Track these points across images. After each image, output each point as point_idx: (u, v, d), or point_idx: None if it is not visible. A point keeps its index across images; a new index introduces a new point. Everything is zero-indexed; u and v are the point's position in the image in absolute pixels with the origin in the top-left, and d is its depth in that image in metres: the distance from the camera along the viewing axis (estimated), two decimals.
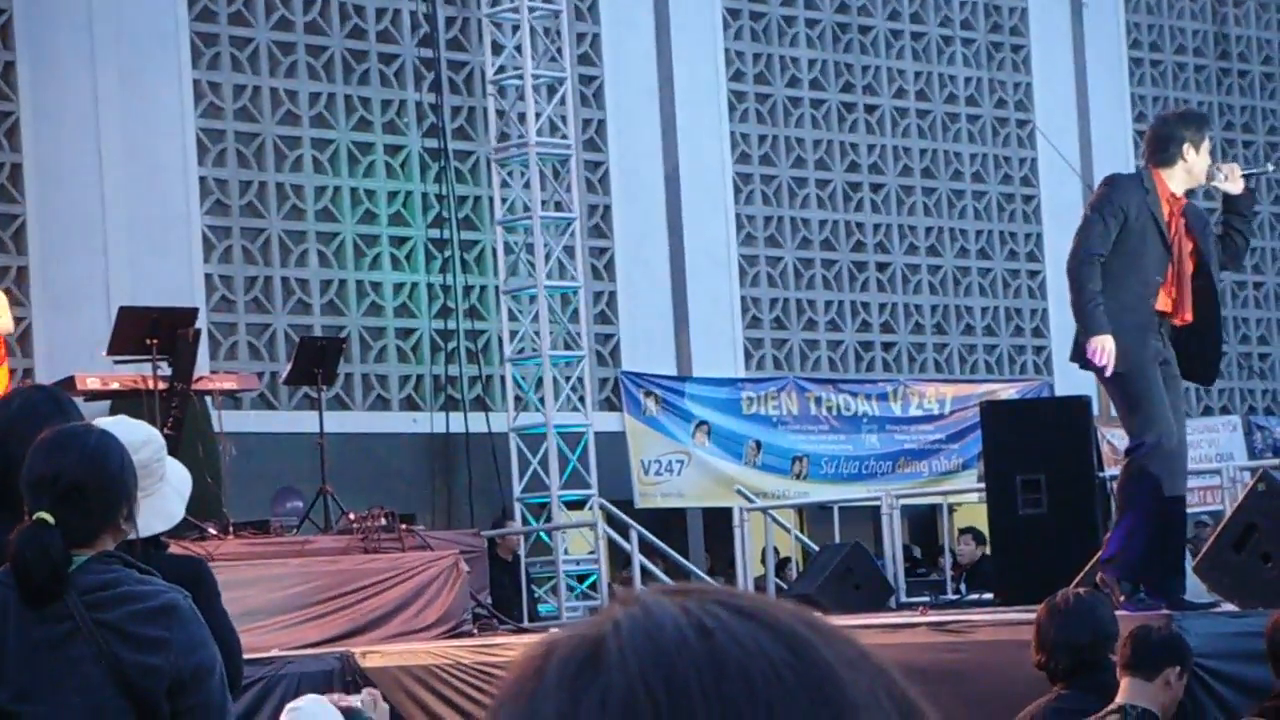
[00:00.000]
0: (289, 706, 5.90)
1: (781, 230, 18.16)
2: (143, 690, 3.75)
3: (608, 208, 17.13)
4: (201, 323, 12.59)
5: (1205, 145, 7.71)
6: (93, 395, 11.00)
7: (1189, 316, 7.63)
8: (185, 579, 4.10)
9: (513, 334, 15.01)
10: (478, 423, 15.71)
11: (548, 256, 14.88)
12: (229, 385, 12.71)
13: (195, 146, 15.00)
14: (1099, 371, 7.51)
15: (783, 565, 14.88)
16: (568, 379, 15.09)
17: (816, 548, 13.45)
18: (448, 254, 16.11)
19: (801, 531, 15.15)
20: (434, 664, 8.87)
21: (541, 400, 14.79)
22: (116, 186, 14.44)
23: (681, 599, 0.94)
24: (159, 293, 12.94)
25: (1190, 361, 7.70)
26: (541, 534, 14.30)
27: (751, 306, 17.89)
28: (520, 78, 14.98)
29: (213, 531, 10.75)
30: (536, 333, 14.82)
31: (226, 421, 12.18)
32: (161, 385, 10.86)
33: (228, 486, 11.86)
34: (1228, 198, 7.79)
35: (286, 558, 10.75)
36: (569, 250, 15.09)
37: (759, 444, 17.06)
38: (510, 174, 15.19)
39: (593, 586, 13.86)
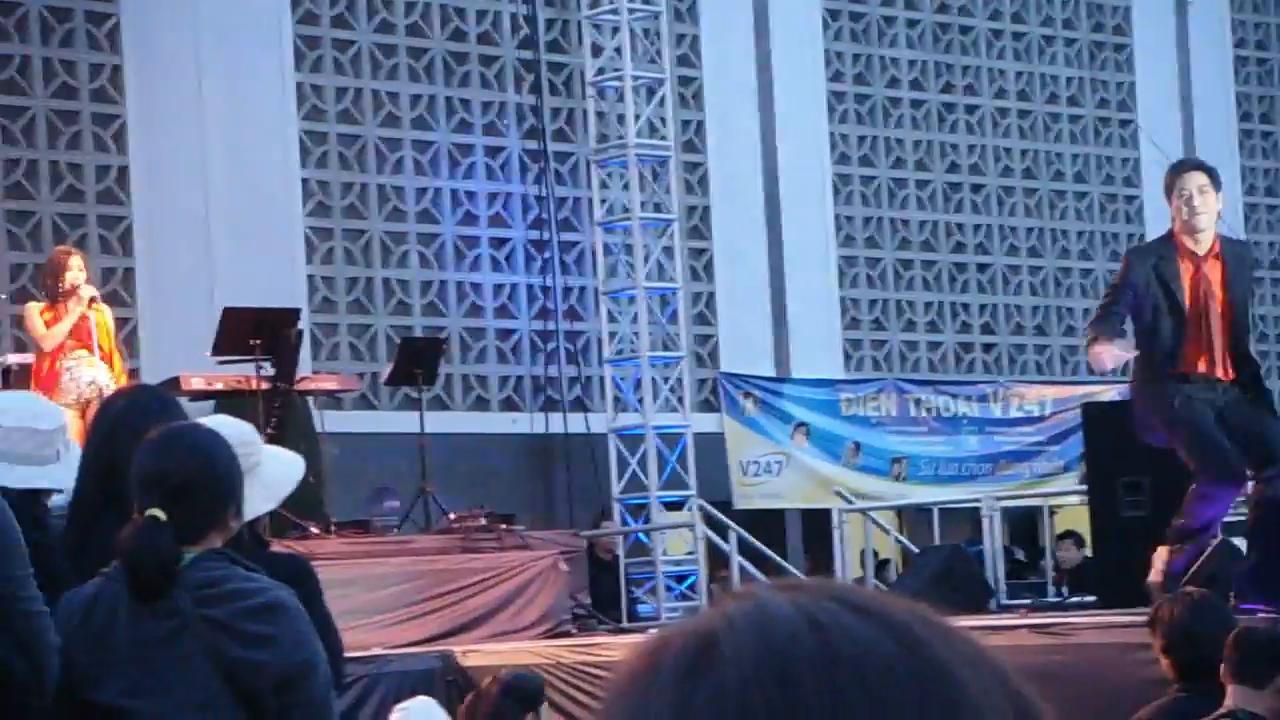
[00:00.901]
0: (399, 707, 5.96)
1: (881, 231, 18.08)
2: (249, 686, 3.79)
3: (707, 209, 17.12)
4: (303, 323, 12.69)
5: (1178, 193, 7.72)
6: (197, 395, 11.12)
7: (1231, 373, 7.67)
8: (289, 576, 4.14)
9: (612, 335, 15.03)
10: (577, 423, 15.74)
11: (647, 258, 14.89)
12: (331, 385, 12.81)
13: (298, 148, 15.12)
14: (1157, 439, 7.67)
15: (882, 567, 14.82)
16: (666, 380, 15.10)
17: (916, 550, 13.39)
18: (547, 255, 16.15)
19: (901, 533, 15.08)
20: (534, 663, 8.89)
21: (640, 401, 14.80)
22: (220, 188, 14.58)
23: (795, 594, 0.94)
24: (262, 293, 13.05)
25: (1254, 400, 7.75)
26: (640, 535, 14.31)
27: (850, 307, 17.82)
28: (620, 79, 15.00)
29: (315, 530, 10.83)
30: (635, 334, 14.84)
31: (328, 422, 12.28)
32: (264, 385, 10.95)
33: (329, 486, 11.95)
34: None
35: (387, 557, 10.81)
36: (668, 251, 15.09)
37: (858, 445, 17.00)
38: (609, 175, 15.21)
39: (691, 587, 13.85)
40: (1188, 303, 7.66)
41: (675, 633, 0.94)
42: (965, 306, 18.54)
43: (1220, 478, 7.68)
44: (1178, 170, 7.94)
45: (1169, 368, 7.66)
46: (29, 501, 4.17)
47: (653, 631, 0.98)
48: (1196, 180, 7.80)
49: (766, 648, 0.91)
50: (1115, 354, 7.61)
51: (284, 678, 3.80)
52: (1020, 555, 16.64)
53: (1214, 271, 7.72)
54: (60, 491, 4.83)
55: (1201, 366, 7.68)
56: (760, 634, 0.92)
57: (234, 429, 4.53)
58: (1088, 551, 12.82)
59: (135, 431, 4.03)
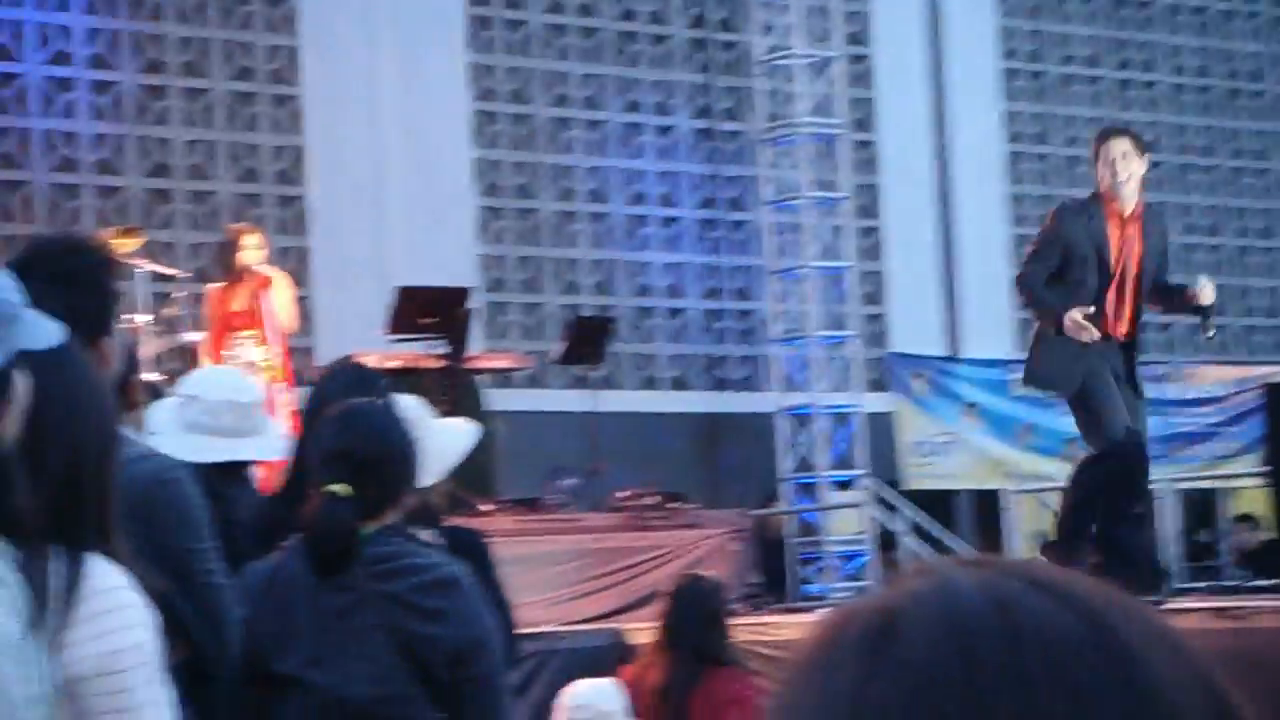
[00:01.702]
0: (569, 695, 5.99)
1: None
2: (424, 660, 3.83)
3: (877, 187, 17.01)
4: (475, 302, 12.80)
5: (1101, 158, 8.16)
6: None
7: (1125, 334, 8.17)
8: (465, 549, 4.18)
9: (781, 314, 14.99)
10: (746, 402, 15.73)
11: (816, 237, 14.82)
12: (502, 364, 12.92)
13: (469, 128, 15.25)
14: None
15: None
16: (835, 359, 15.03)
17: None
18: (716, 234, 16.15)
19: None
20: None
21: (809, 381, 14.75)
22: (394, 168, 14.74)
23: (979, 571, 0.93)
24: (434, 272, 13.19)
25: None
26: (809, 514, 14.27)
27: None
28: (790, 57, 14.93)
29: (486, 508, 10.93)
30: (804, 313, 14.78)
31: (498, 400, 12.37)
32: (437, 364, 11.06)
33: (500, 464, 12.04)
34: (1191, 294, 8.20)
35: (557, 535, 10.88)
36: (837, 230, 15.02)
37: (1030, 426, 16.80)
38: (779, 154, 15.16)
39: (860, 567, 13.79)
40: (1113, 262, 8.06)
41: (857, 609, 0.93)
42: None
43: (1095, 457, 8.28)
44: (1103, 137, 8.32)
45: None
46: (221, 477, 4.25)
47: (834, 608, 0.97)
48: (1120, 145, 8.20)
49: (950, 626, 0.90)
50: (1082, 324, 7.89)
51: (458, 652, 3.85)
52: (1203, 537, 16.37)
53: (1135, 233, 8.15)
54: (259, 463, 4.93)
55: (1110, 325, 8.08)
56: (943, 612, 0.91)
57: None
58: (1265, 534, 12.59)
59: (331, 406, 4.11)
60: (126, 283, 11.04)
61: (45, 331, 2.45)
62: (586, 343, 12.81)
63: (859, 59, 16.87)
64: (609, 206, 15.86)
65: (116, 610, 2.58)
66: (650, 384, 15.95)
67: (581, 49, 15.79)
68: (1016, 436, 16.71)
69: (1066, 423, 16.97)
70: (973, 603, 0.91)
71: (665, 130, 16.15)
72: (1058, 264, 8.12)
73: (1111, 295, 8.10)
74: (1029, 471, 15.93)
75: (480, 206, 15.29)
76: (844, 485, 14.54)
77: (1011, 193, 17.59)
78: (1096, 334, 7.93)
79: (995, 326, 17.19)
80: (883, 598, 0.93)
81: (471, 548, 4.41)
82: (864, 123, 16.92)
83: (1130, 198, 8.21)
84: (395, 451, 3.93)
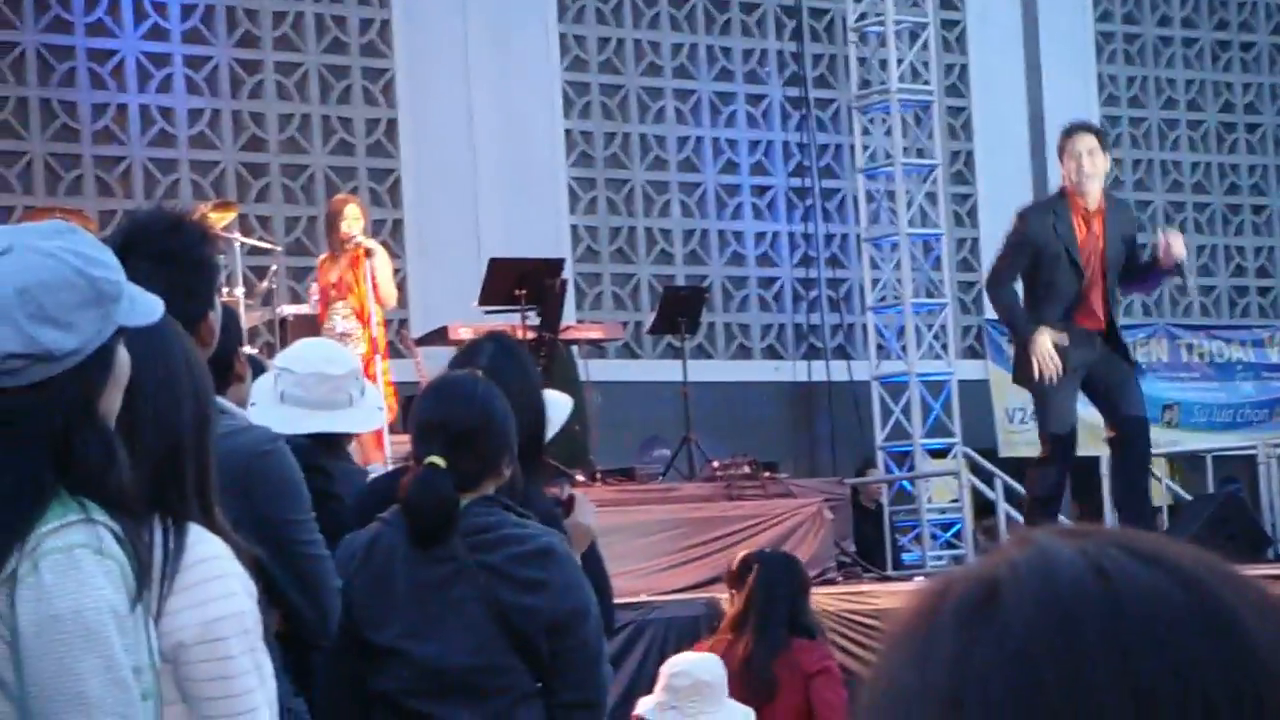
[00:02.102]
0: (670, 664, 6.01)
1: (1151, 173, 17.68)
2: (522, 631, 3.85)
3: (970, 154, 16.90)
4: (568, 273, 12.82)
5: (1068, 152, 8.41)
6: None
7: (1102, 325, 8.51)
8: (558, 521, 4.20)
9: (874, 282, 14.93)
10: (840, 371, 15.69)
11: (910, 204, 14.74)
12: (595, 335, 12.93)
13: (561, 99, 15.26)
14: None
15: (1152, 515, 14.53)
16: (930, 327, 14.96)
17: (1189, 497, 13.12)
18: (809, 202, 16.09)
19: (1173, 481, 14.77)
20: None
21: (904, 348, 14.69)
22: (486, 139, 14.78)
23: (1079, 541, 0.92)
24: (526, 244, 13.22)
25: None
26: (904, 482, 14.22)
27: None
28: (882, 24, 14.84)
29: (580, 478, 10.96)
30: (898, 281, 14.72)
31: (592, 370, 12.39)
32: (530, 335, 11.09)
33: (594, 434, 12.07)
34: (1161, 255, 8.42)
35: (652, 504, 10.90)
36: (931, 197, 14.93)
37: None
38: (872, 121, 15.08)
39: (957, 535, 13.74)
40: (1081, 257, 8.35)
41: (957, 578, 0.93)
42: (1240, 249, 18.06)
43: (1044, 455, 8.93)
44: (1069, 133, 8.56)
45: (1060, 319, 8.36)
46: (317, 449, 4.27)
47: (932, 577, 0.97)
48: (1086, 142, 8.44)
49: (1050, 595, 0.90)
50: (1048, 350, 8.31)
51: (555, 622, 3.87)
52: None
53: (1099, 227, 8.40)
54: (354, 436, 4.95)
55: (1085, 319, 8.41)
56: (1044, 581, 0.90)
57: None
58: None
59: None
60: (223, 257, 11.13)
61: (145, 308, 2.48)
62: (679, 313, 12.80)
63: (951, 24, 16.75)
64: (701, 176, 15.84)
65: (216, 579, 2.61)
66: (743, 353, 15.94)
67: (672, 18, 15.76)
68: None
69: (1163, 388, 16.92)
70: (1073, 572, 0.91)
71: (757, 99, 16.10)
72: (1028, 265, 8.44)
73: (1084, 291, 8.43)
74: None
75: (572, 177, 15.31)
76: (939, 453, 14.48)
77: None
78: (1058, 370, 8.36)
79: None
80: (982, 567, 0.93)
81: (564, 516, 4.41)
82: (957, 88, 16.81)
83: (1094, 193, 8.48)
84: (494, 423, 3.95)
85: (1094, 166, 8.44)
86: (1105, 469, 12.49)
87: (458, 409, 3.93)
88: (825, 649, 6.74)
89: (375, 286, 10.93)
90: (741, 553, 7.16)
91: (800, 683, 6.43)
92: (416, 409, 4.02)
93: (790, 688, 6.37)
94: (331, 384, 4.61)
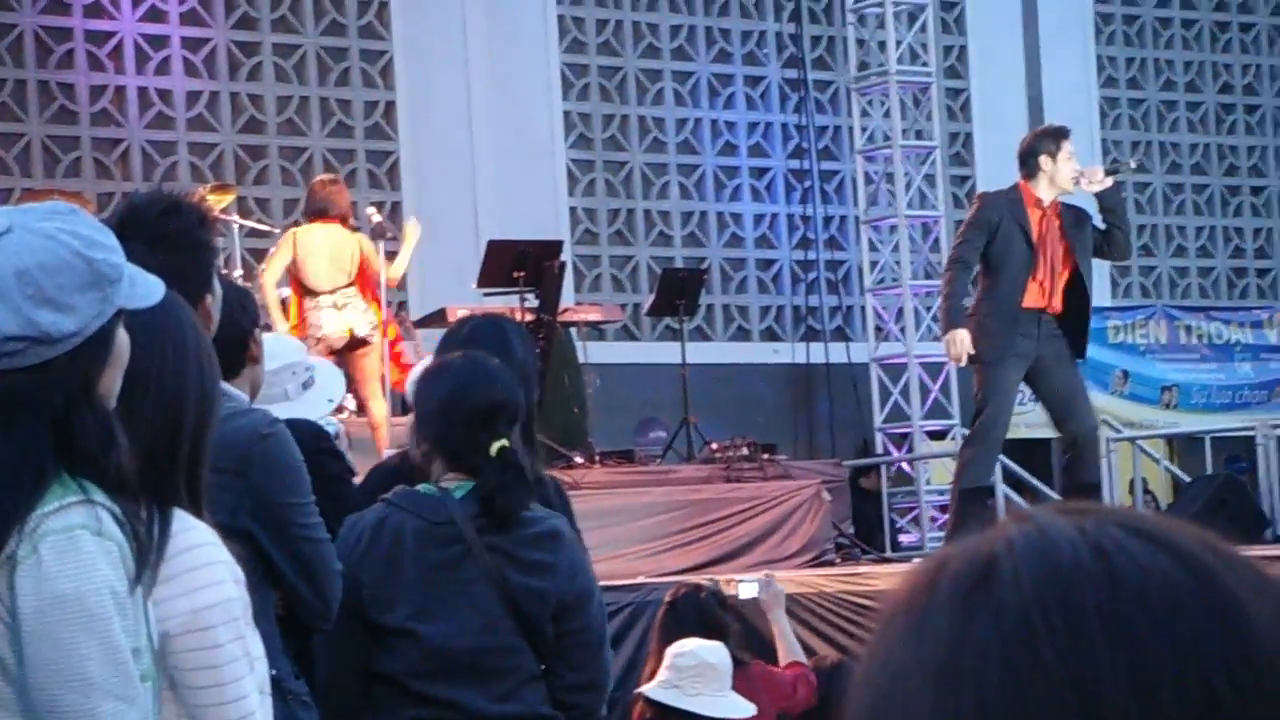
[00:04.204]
0: (675, 646, 6.01)
1: (1150, 155, 17.67)
2: (530, 612, 3.86)
3: (969, 135, 16.88)
4: (566, 255, 12.81)
5: (1063, 154, 8.88)
6: None
7: (1058, 307, 8.84)
8: (546, 498, 4.20)
9: (873, 264, 14.92)
10: (838, 353, 15.69)
11: (908, 186, 14.73)
12: (594, 317, 12.92)
13: (559, 81, 15.25)
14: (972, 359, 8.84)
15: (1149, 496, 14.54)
16: (929, 309, 14.94)
17: (1187, 479, 13.12)
18: (807, 184, 16.08)
19: (1171, 462, 14.78)
20: (797, 593, 8.91)
21: (902, 330, 14.69)
22: (484, 121, 14.77)
23: (1077, 518, 0.92)
24: (525, 226, 13.21)
25: (1067, 338, 8.93)
26: (903, 464, 14.23)
27: None
28: (881, 5, 14.82)
29: (579, 460, 10.96)
30: (897, 262, 14.71)
31: (591, 352, 12.39)
32: (528, 317, 11.08)
33: (593, 416, 12.07)
34: (1099, 196, 8.97)
35: (651, 486, 10.89)
36: (930, 179, 14.92)
37: (1126, 373, 16.68)
38: (870, 103, 15.06)
39: None
40: (1035, 241, 8.79)
41: (954, 554, 0.93)
42: (1239, 231, 18.05)
43: (974, 434, 9.35)
44: (1061, 134, 9.02)
45: (1011, 298, 8.76)
46: (326, 433, 4.26)
47: (930, 553, 0.97)
48: (1071, 145, 9.01)
49: (1048, 572, 0.90)
50: (966, 346, 8.74)
51: (562, 605, 3.88)
52: None
53: (1054, 222, 8.89)
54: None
55: (1034, 298, 8.80)
56: (1042, 558, 0.90)
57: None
58: None
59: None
60: (222, 239, 11.12)
61: (145, 289, 2.47)
62: (678, 294, 12.80)
63: (950, 5, 16.73)
64: (699, 158, 15.83)
65: (204, 567, 2.61)
66: (742, 335, 15.94)
67: (671, 0, 15.74)
68: (1112, 384, 16.60)
69: (1161, 370, 16.92)
70: (1072, 549, 0.90)
71: (756, 80, 16.08)
72: (985, 243, 8.85)
73: (1038, 269, 8.83)
74: (1125, 419, 15.82)
75: (571, 159, 15.29)
76: (938, 435, 14.49)
77: (1105, 138, 17.41)
78: (962, 360, 8.84)
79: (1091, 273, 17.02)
80: (980, 543, 0.93)
81: (555, 492, 4.42)
82: (955, 70, 16.79)
83: (1057, 193, 8.94)
84: (515, 402, 3.98)
85: (1073, 169, 8.96)
86: (1106, 449, 12.48)
87: (501, 391, 3.95)
88: (760, 668, 6.61)
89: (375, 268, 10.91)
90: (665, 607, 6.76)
91: (778, 698, 6.44)
92: (451, 393, 3.97)
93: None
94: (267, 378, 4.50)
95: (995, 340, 8.81)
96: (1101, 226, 9.07)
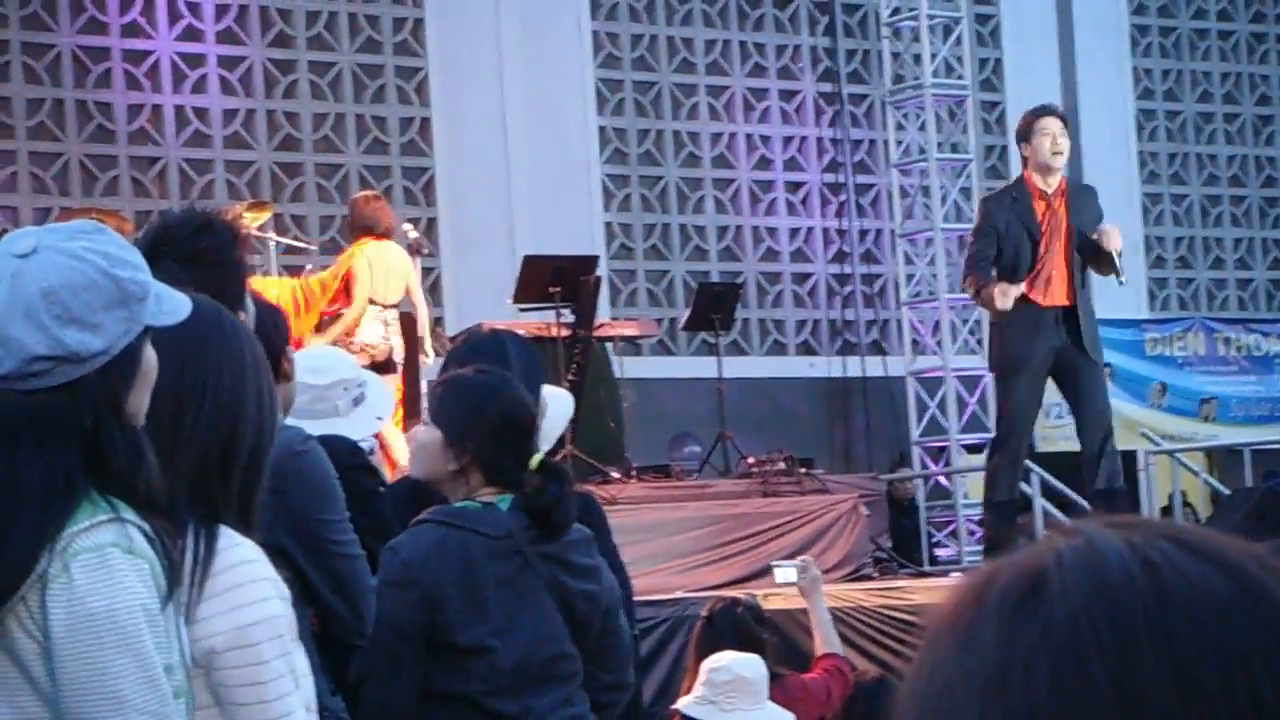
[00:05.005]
0: (711, 659, 5.98)
1: (1187, 167, 17.61)
2: (583, 616, 3.89)
3: (1005, 148, 16.84)
4: (602, 270, 12.81)
5: (1037, 134, 8.72)
6: None
7: (1067, 301, 8.74)
8: (579, 511, 4.20)
9: (909, 277, 14.89)
10: (875, 367, 15.67)
11: (944, 199, 14.70)
12: (629, 331, 12.93)
13: (594, 96, 15.26)
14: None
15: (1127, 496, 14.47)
16: (965, 322, 14.91)
17: (1226, 492, 13.05)
18: (843, 198, 16.07)
19: (1210, 475, 14.71)
20: (835, 607, 8.86)
21: (939, 343, 14.65)
22: (519, 137, 14.79)
23: (1126, 532, 0.91)
24: (560, 241, 13.22)
25: (1082, 334, 8.84)
26: (940, 478, 14.19)
27: (1155, 246, 17.41)
28: (916, 19, 14.80)
29: (615, 475, 10.95)
30: (933, 275, 14.67)
31: (627, 367, 12.39)
32: (564, 332, 11.08)
33: (629, 431, 12.07)
34: (1096, 246, 8.73)
35: (687, 501, 10.88)
36: (965, 192, 14.88)
37: (1164, 386, 16.62)
38: (905, 116, 15.04)
39: None
40: (1042, 238, 8.68)
41: (1003, 567, 0.92)
42: (1277, 243, 17.98)
43: (995, 442, 9.35)
44: (1038, 114, 8.91)
45: (1029, 303, 8.65)
46: (360, 449, 4.26)
47: (977, 568, 0.96)
48: (1056, 124, 8.81)
49: (1097, 585, 0.89)
50: (1008, 292, 8.55)
51: (608, 608, 3.92)
52: None
53: (1061, 208, 8.75)
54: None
55: (1048, 295, 8.72)
56: (1091, 571, 0.89)
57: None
58: None
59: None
60: (258, 256, 11.15)
61: (173, 307, 2.46)
62: (714, 309, 12.78)
63: (985, 18, 16.70)
64: (735, 172, 15.82)
65: (248, 584, 2.60)
66: (778, 349, 15.92)
67: (705, 14, 15.75)
68: (1150, 397, 16.53)
69: (1200, 382, 16.86)
70: (1120, 563, 0.90)
71: (791, 94, 16.07)
72: (994, 249, 8.77)
73: (1044, 267, 8.73)
74: (1164, 432, 15.75)
75: (606, 174, 15.31)
76: (975, 449, 14.44)
77: (1142, 150, 17.36)
78: (1013, 296, 8.59)
79: (1128, 286, 16.94)
80: (1028, 557, 0.92)
81: (585, 506, 4.41)
82: (991, 83, 16.76)
83: (1057, 174, 8.83)
84: (534, 417, 4.02)
85: (1062, 147, 8.78)
86: (1144, 461, 12.44)
87: (531, 405, 4.01)
88: (796, 679, 6.56)
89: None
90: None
91: (815, 707, 6.39)
92: (497, 411, 3.97)
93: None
94: (313, 393, 4.46)
95: (1012, 349, 8.78)
96: (1094, 236, 8.89)
